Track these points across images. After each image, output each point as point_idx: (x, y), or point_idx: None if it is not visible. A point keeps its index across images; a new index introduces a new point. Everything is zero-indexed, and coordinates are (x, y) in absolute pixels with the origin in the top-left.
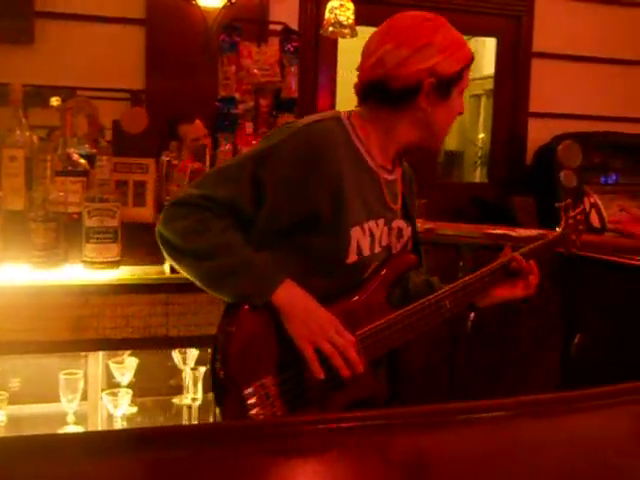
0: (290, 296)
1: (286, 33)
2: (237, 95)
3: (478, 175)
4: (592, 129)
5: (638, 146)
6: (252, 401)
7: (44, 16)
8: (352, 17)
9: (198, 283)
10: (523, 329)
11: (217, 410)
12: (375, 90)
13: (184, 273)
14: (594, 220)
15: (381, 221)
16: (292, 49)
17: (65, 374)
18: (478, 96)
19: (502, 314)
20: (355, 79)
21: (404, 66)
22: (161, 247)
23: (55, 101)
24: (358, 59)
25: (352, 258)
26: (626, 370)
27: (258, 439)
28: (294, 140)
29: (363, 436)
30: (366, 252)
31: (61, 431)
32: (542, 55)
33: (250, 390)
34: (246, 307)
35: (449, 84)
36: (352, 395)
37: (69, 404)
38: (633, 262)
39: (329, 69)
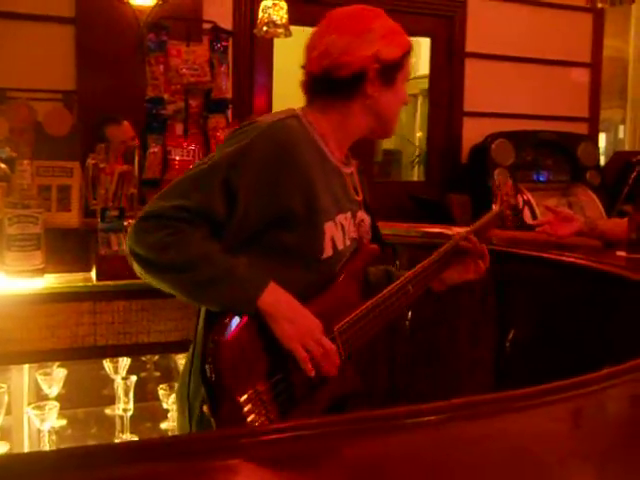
0: (275, 299)
1: (215, 32)
2: (166, 96)
3: (416, 174)
4: (524, 128)
5: (567, 144)
6: (248, 408)
7: None
8: (286, 16)
9: (180, 296)
10: (460, 325)
11: (212, 421)
12: (323, 82)
13: (164, 288)
14: (527, 217)
15: (349, 214)
16: (222, 48)
17: None
18: (414, 95)
19: (439, 312)
20: (296, 78)
21: (348, 53)
22: (134, 265)
23: None
24: (294, 59)
25: (327, 253)
26: (556, 365)
27: (203, 453)
28: (262, 141)
29: (309, 444)
30: (340, 246)
31: None
32: (475, 55)
33: (245, 397)
34: (230, 315)
35: (393, 70)
36: (336, 391)
37: None
38: (563, 258)
39: (265, 69)
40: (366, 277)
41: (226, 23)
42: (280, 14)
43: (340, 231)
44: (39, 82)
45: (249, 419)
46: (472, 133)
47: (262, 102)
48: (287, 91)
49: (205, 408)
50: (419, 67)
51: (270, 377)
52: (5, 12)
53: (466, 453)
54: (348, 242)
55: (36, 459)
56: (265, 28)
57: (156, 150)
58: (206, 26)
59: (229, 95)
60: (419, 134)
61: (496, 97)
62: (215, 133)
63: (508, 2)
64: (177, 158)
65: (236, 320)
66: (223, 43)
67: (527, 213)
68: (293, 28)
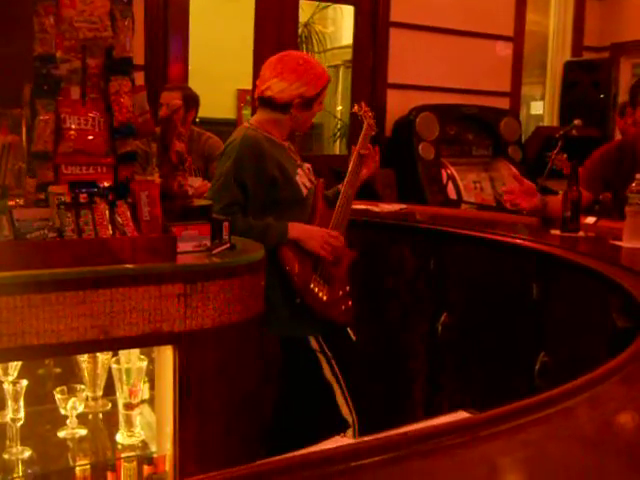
0: (295, 229)
1: None
2: (59, 53)
3: (338, 147)
4: (447, 101)
5: (490, 118)
6: (317, 289)
7: None
8: None
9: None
10: (390, 309)
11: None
12: (266, 102)
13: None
14: (451, 192)
15: (299, 169)
16: None
17: None
18: (336, 67)
19: (372, 297)
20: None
21: (283, 93)
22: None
23: None
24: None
25: (304, 192)
26: (489, 349)
27: None
28: (242, 150)
29: None
30: (308, 186)
31: None
32: (399, 25)
33: (313, 285)
34: (284, 249)
35: (311, 101)
36: (344, 266)
37: None
38: (491, 236)
39: (181, 37)
40: (327, 198)
41: None
42: None
43: (304, 178)
44: None
45: (320, 294)
46: (396, 106)
47: (178, 70)
48: (203, 59)
49: (298, 300)
50: (342, 37)
51: (315, 270)
52: None
53: None
54: (309, 184)
55: None
56: None
57: (47, 117)
58: None
59: (133, 54)
60: (340, 107)
61: (420, 69)
62: (118, 98)
63: None
64: (73, 126)
65: (287, 249)
66: None
67: (451, 188)
68: None
